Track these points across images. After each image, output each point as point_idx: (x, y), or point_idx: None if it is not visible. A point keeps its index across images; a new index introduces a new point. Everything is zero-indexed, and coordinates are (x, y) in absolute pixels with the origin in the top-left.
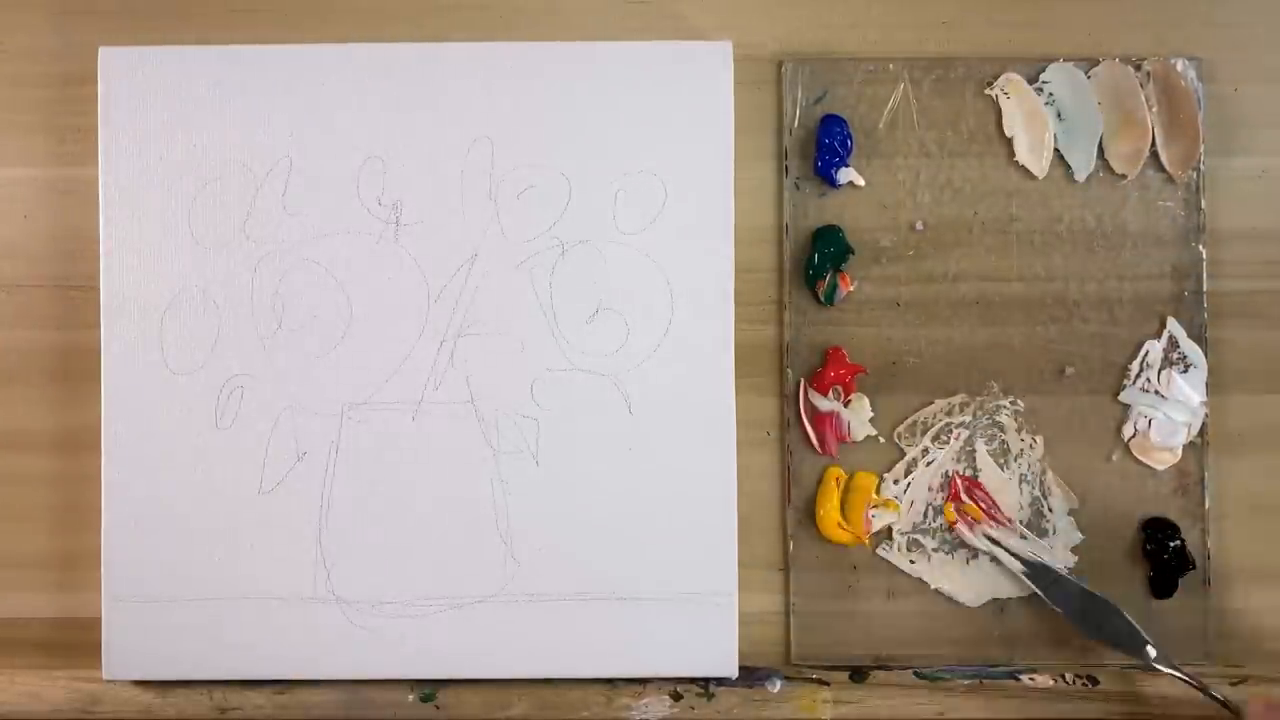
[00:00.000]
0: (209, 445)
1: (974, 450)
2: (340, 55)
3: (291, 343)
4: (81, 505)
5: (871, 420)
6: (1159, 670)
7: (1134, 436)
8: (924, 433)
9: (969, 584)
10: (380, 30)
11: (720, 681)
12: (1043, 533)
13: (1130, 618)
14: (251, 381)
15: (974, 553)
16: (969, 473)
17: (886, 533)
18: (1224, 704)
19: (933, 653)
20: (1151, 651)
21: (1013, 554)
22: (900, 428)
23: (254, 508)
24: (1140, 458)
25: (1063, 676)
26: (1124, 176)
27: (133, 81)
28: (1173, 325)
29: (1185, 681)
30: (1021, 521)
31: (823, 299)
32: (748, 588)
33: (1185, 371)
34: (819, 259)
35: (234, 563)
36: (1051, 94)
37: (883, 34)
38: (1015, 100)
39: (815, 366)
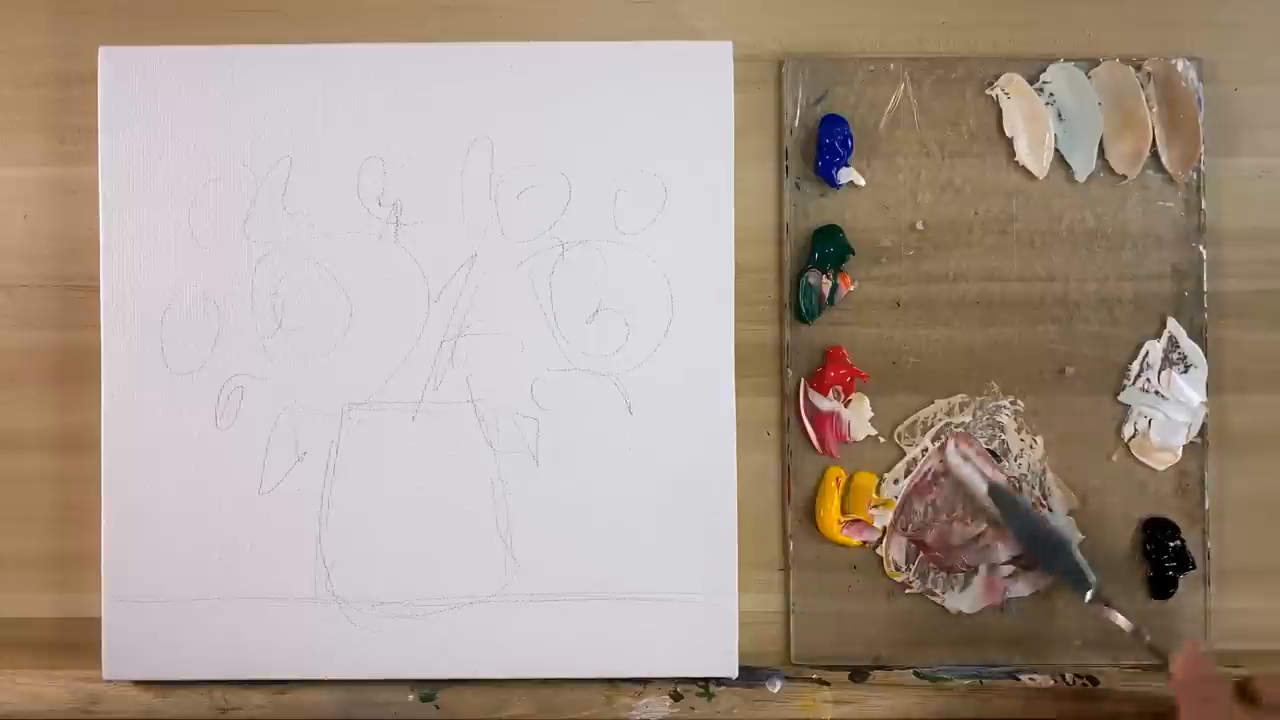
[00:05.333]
0: (209, 445)
1: None
2: (340, 55)
3: (291, 343)
4: (81, 505)
5: (871, 420)
6: (1101, 611)
7: (1134, 436)
8: (924, 433)
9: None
10: (380, 30)
11: (720, 681)
12: None
13: (1079, 555)
14: (251, 381)
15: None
16: None
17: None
18: (1154, 650)
19: (933, 653)
20: (1089, 594)
21: (982, 474)
22: (900, 428)
23: (254, 508)
24: (1140, 458)
25: (1063, 676)
26: (1124, 177)
27: (133, 81)
28: (1173, 325)
29: (1121, 625)
30: None
31: (804, 311)
32: (748, 588)
33: (1185, 371)
34: (819, 259)
35: (234, 563)
36: (1052, 94)
37: (883, 34)
38: (1015, 100)
39: (815, 366)
